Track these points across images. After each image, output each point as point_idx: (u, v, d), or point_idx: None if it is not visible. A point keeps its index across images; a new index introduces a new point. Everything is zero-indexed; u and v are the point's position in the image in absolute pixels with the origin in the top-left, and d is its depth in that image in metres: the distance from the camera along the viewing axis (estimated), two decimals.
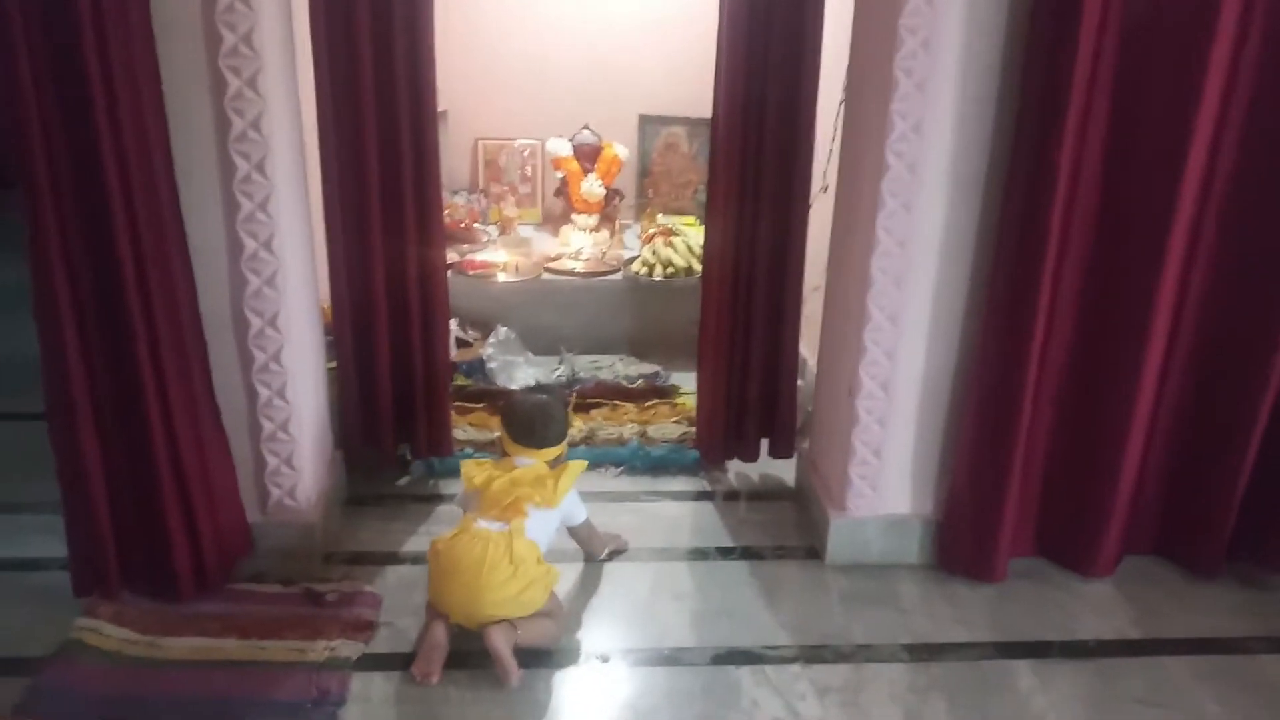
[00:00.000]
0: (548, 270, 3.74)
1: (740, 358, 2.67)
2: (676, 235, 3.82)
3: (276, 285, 2.12)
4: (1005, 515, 2.26)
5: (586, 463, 2.40)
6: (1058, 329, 2.18)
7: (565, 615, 2.17)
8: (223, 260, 2.10)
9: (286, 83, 2.14)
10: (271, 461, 2.25)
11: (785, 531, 2.57)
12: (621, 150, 4.09)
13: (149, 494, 2.07)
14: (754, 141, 2.48)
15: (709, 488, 2.80)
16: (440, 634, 2.03)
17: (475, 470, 2.22)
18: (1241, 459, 2.23)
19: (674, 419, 3.12)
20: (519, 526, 2.09)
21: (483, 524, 2.09)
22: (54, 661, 1.98)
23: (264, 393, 2.19)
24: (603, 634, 2.16)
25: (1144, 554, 2.43)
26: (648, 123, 4.36)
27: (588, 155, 4.09)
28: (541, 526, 2.15)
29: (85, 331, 1.95)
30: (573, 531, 2.34)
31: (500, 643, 1.97)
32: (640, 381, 3.34)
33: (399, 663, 2.04)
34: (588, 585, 2.33)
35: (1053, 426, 2.29)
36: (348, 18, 2.22)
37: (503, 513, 2.12)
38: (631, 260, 3.79)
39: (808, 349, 2.99)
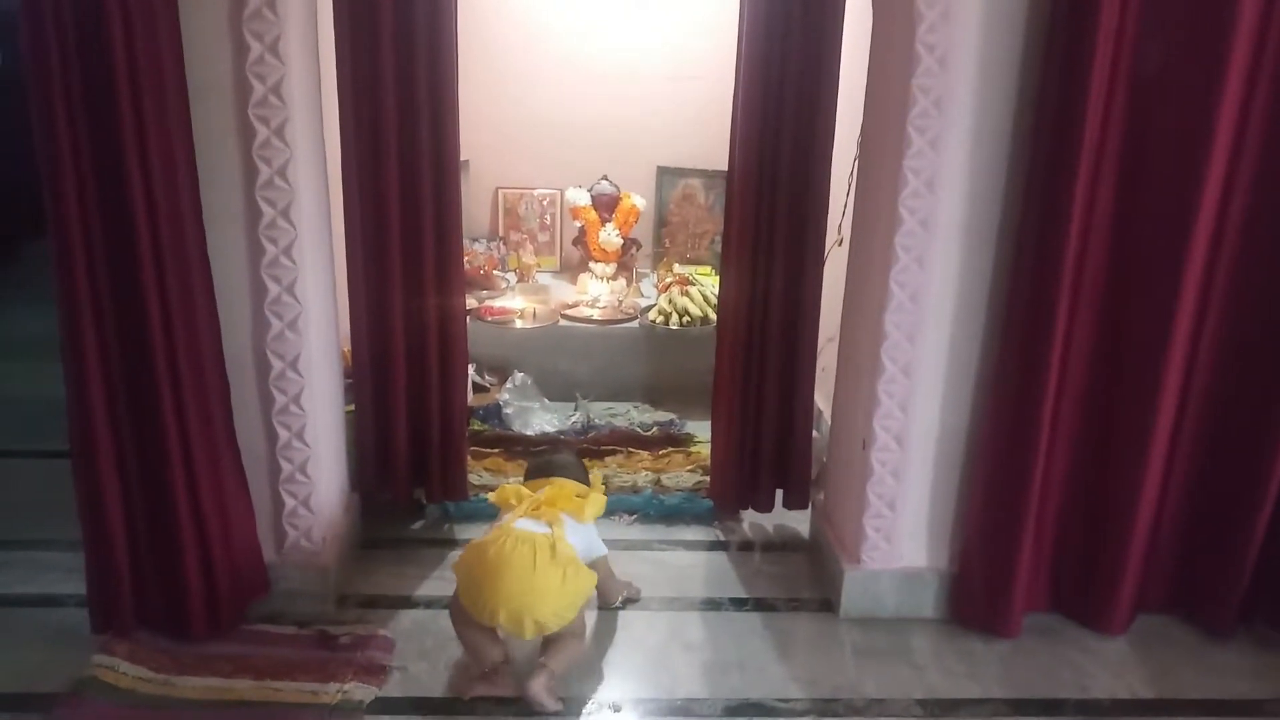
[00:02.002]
0: (565, 317, 3.78)
1: (754, 407, 2.68)
2: (693, 285, 3.86)
3: (298, 329, 2.15)
4: (1019, 570, 2.26)
5: (605, 499, 2.39)
6: (1070, 384, 2.19)
7: (586, 628, 2.17)
8: (246, 303, 2.14)
9: (313, 132, 2.19)
10: (289, 503, 2.27)
11: (799, 583, 2.56)
12: (639, 200, 4.15)
13: (167, 533, 2.09)
14: (769, 194, 2.51)
15: (723, 538, 2.80)
16: (497, 653, 2.09)
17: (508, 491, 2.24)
18: (1256, 519, 2.22)
19: (688, 467, 3.13)
20: (560, 531, 2.10)
21: (522, 524, 2.10)
22: (69, 698, 1.99)
23: (283, 434, 2.22)
24: (615, 683, 2.16)
25: (1158, 612, 2.41)
26: (665, 174, 4.42)
27: (606, 205, 4.14)
28: (574, 540, 2.15)
29: (109, 370, 1.99)
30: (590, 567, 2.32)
31: (543, 693, 1.99)
32: (655, 429, 3.36)
33: (411, 707, 2.04)
34: (600, 634, 2.32)
35: (1066, 482, 2.29)
36: (373, 70, 2.28)
37: (539, 512, 2.15)
38: (648, 309, 3.82)
39: (823, 400, 3.00)
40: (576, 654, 2.11)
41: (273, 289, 2.12)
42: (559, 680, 2.05)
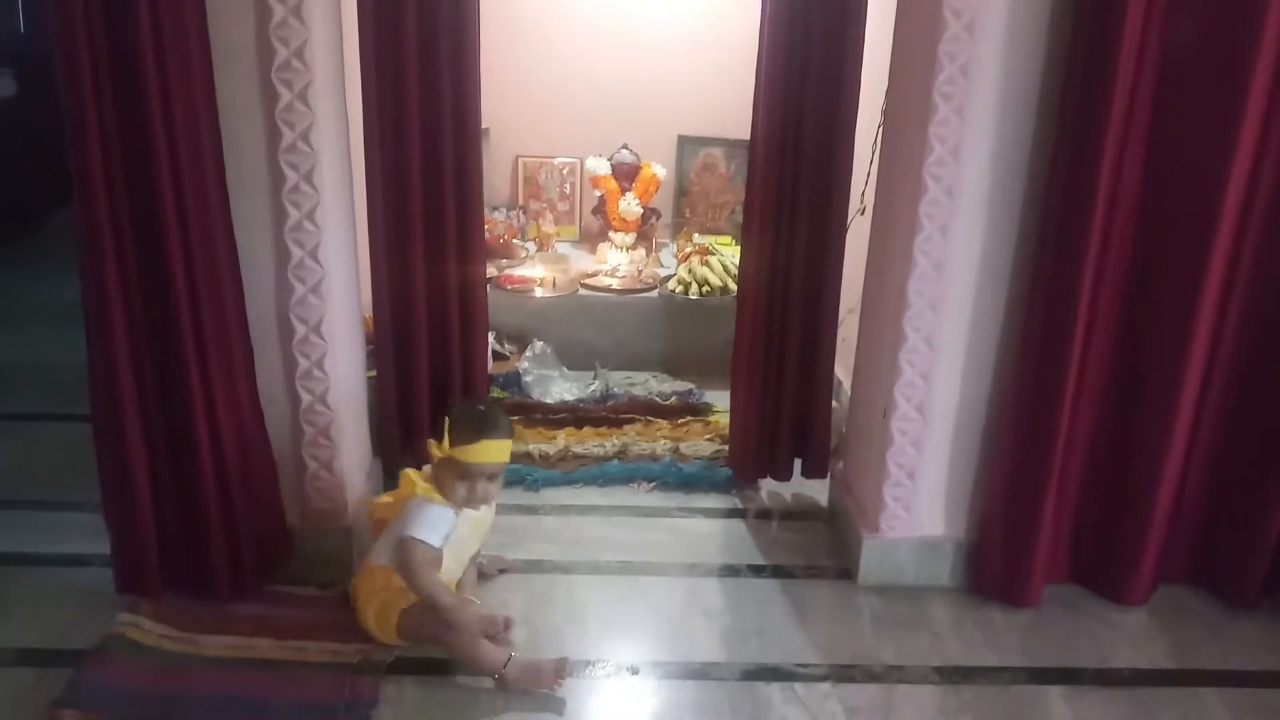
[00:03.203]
0: (584, 287, 3.78)
1: (774, 377, 2.68)
2: (712, 255, 3.85)
3: (321, 293, 2.16)
4: (1039, 541, 2.25)
5: (421, 487, 2.06)
6: (1094, 354, 2.17)
7: (469, 625, 2.01)
8: (270, 267, 2.15)
9: (335, 97, 2.19)
10: (312, 466, 2.29)
11: (817, 551, 2.57)
12: (659, 170, 4.13)
13: (191, 495, 2.11)
14: (791, 163, 2.50)
15: (741, 506, 2.80)
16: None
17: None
18: (1279, 490, 2.21)
19: (707, 436, 3.13)
20: (372, 549, 2.14)
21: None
22: (95, 656, 2.02)
23: (306, 398, 2.23)
24: (633, 647, 2.17)
25: (1179, 583, 2.41)
26: (686, 143, 4.40)
27: (626, 174, 4.13)
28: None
29: (134, 334, 2.00)
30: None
31: (520, 681, 1.99)
32: (674, 398, 3.37)
33: (432, 667, 2.06)
34: (618, 598, 2.34)
35: (1088, 453, 2.28)
36: (395, 36, 2.27)
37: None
38: (667, 278, 3.82)
39: (842, 371, 3.00)
40: (453, 650, 2.02)
41: (296, 253, 2.13)
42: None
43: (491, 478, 2.09)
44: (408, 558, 1.98)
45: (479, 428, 2.05)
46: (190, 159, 1.92)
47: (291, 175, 2.07)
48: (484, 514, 2.18)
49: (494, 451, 2.06)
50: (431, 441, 2.09)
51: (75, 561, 2.37)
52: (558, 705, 1.97)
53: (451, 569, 2.12)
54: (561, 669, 2.00)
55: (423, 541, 1.99)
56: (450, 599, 2.00)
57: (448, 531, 2.04)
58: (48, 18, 1.80)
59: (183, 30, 1.88)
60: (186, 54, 1.89)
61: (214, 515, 2.12)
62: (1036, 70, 2.05)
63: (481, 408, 2.19)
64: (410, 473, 2.10)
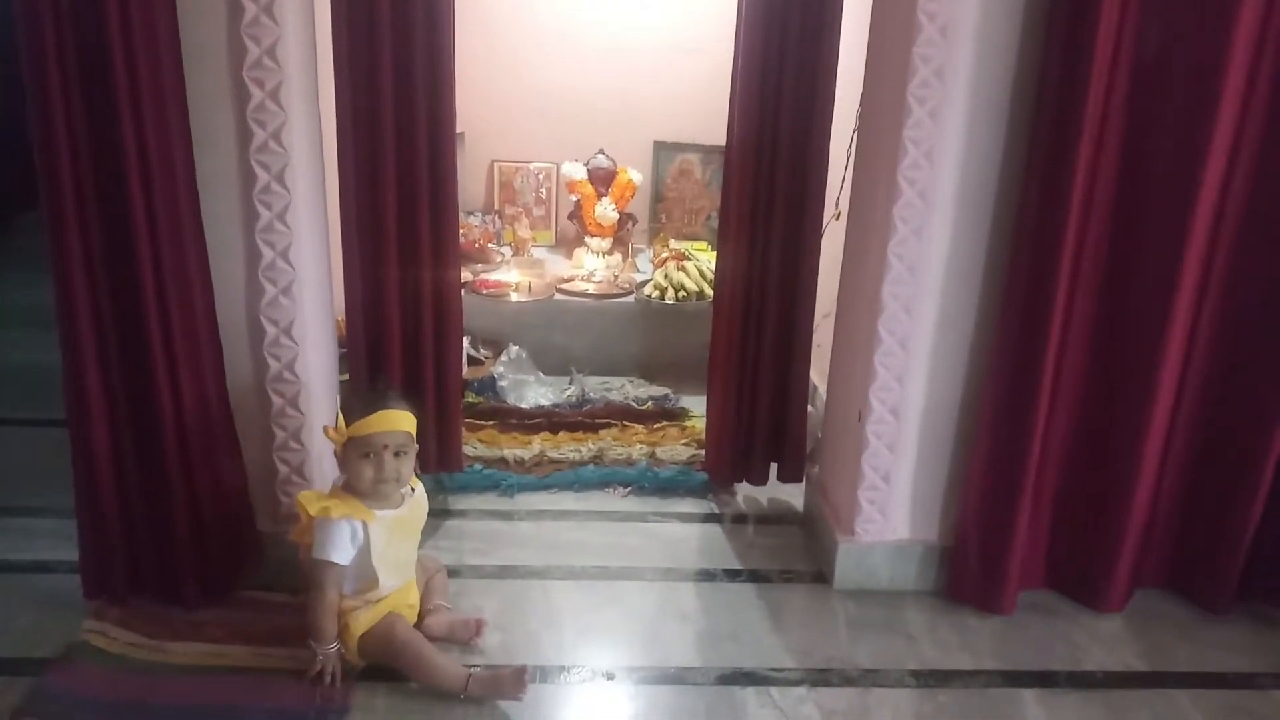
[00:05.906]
0: (560, 291, 3.77)
1: (750, 382, 2.68)
2: (688, 260, 3.85)
3: (292, 294, 2.14)
4: (1014, 547, 2.25)
5: (315, 508, 1.98)
6: (1070, 358, 2.18)
7: (412, 644, 2.01)
8: (240, 268, 2.12)
9: (308, 97, 2.17)
10: (282, 470, 2.26)
11: (793, 556, 2.56)
12: (636, 175, 4.13)
13: (160, 499, 2.08)
14: (767, 168, 2.50)
15: (717, 510, 2.79)
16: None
17: None
18: (1254, 495, 2.22)
19: (683, 441, 3.13)
20: None
21: None
22: (59, 664, 1.99)
23: (277, 401, 2.20)
24: (608, 652, 2.15)
25: (1154, 588, 2.42)
26: (662, 149, 4.40)
27: (602, 179, 4.13)
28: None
29: (102, 334, 1.97)
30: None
31: (483, 697, 1.97)
32: (650, 403, 3.36)
33: (403, 674, 2.03)
34: (594, 603, 2.32)
35: (1064, 458, 2.29)
36: (369, 37, 2.25)
37: None
38: (643, 283, 3.82)
39: (818, 376, 3.00)
40: (412, 675, 2.00)
41: (267, 254, 2.10)
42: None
43: (397, 453, 2.01)
44: (311, 578, 2.00)
45: (371, 401, 2.03)
46: (160, 158, 1.90)
47: (263, 175, 2.05)
48: (408, 512, 2.09)
49: (389, 420, 2.00)
50: (328, 429, 2.02)
51: (40, 568, 2.33)
52: (530, 712, 1.95)
53: (389, 581, 2.05)
54: (521, 677, 1.95)
55: (326, 561, 1.96)
56: (330, 635, 1.99)
57: (357, 545, 1.99)
58: (11, 14, 1.77)
59: (152, 27, 1.85)
60: (156, 52, 1.86)
61: (182, 520, 2.09)
62: (1010, 73, 2.06)
63: (370, 388, 2.18)
64: (301, 497, 2.01)
